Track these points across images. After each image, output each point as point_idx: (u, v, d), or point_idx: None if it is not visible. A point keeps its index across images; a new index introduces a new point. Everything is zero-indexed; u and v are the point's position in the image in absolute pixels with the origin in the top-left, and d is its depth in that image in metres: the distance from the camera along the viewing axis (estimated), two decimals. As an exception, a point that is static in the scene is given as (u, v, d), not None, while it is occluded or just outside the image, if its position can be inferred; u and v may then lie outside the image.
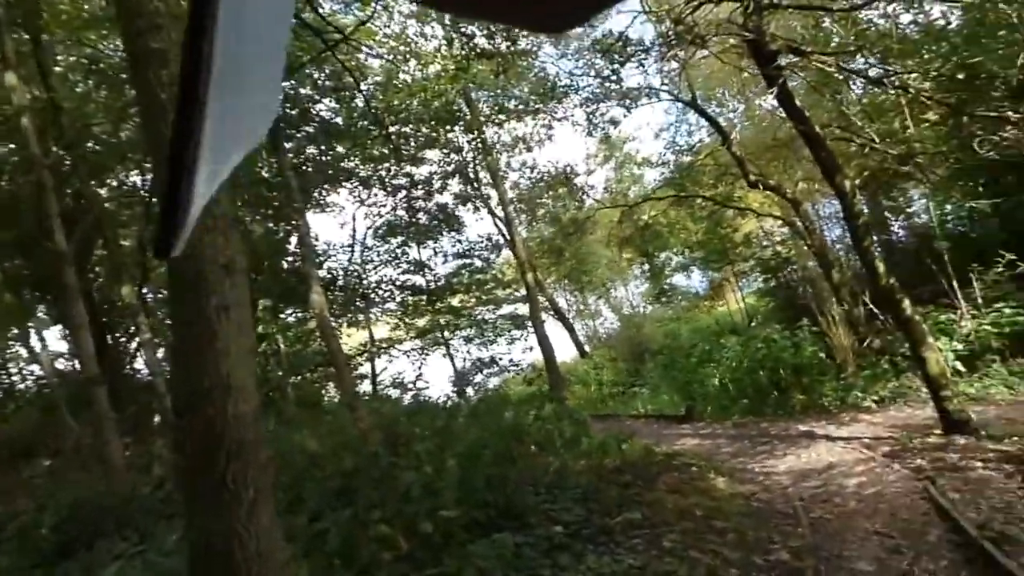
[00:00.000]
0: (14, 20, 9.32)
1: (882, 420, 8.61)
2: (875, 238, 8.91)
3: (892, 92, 8.86)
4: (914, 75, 7.73)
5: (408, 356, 18.90)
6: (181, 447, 3.09)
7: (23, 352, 14.89)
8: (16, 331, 14.19)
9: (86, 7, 10.48)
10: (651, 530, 5.13)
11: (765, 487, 6.65)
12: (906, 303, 7.38)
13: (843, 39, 8.87)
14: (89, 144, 11.71)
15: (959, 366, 9.24)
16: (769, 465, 7.52)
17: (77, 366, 11.73)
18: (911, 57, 8.27)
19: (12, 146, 11.37)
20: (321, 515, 5.14)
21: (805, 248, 13.24)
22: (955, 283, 10.55)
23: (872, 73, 8.79)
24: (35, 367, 14.46)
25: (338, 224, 53.33)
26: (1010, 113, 7.30)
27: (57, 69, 11.86)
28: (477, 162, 18.76)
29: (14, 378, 15.51)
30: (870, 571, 4.09)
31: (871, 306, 11.61)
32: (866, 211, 11.32)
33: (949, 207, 13.03)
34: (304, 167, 15.95)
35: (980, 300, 10.13)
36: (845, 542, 4.64)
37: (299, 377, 16.01)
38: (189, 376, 2.91)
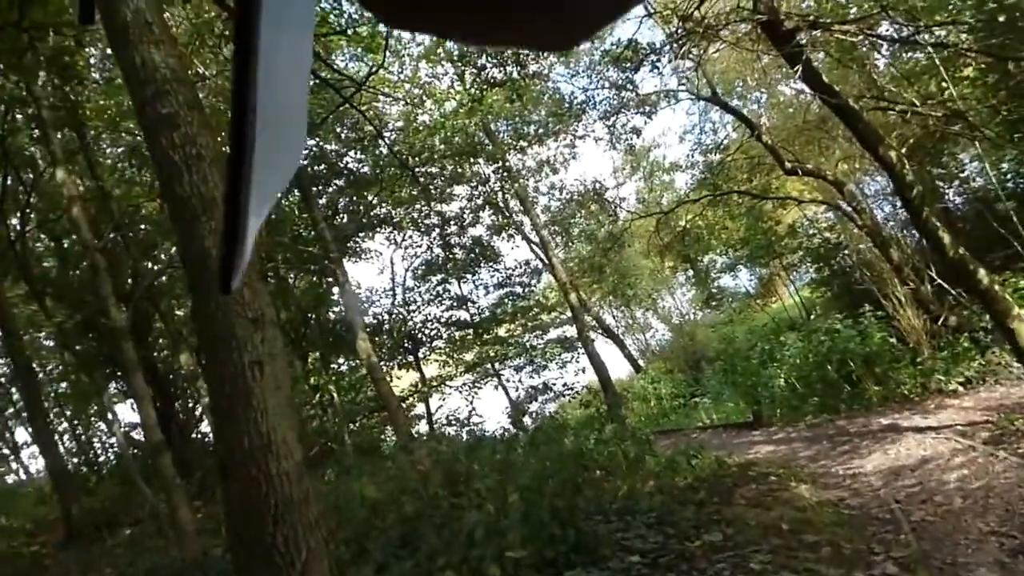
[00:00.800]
0: (59, 121, 9.80)
1: (973, 403, 7.94)
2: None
3: (927, 51, 8.35)
4: (947, 28, 7.25)
5: (460, 392, 18.73)
6: (229, 512, 2.98)
7: (103, 427, 15.64)
8: (95, 408, 14.89)
9: (123, 99, 11.01)
10: (735, 551, 4.72)
11: (854, 491, 6.14)
12: (981, 273, 6.83)
13: (861, 5, 8.45)
14: (139, 225, 12.24)
15: (1052, 334, 8.51)
16: (854, 466, 6.98)
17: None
18: (940, 11, 7.80)
19: (72, 236, 11.96)
20: (386, 566, 4.95)
21: (855, 230, 12.59)
22: (1029, 245, 9.81)
23: (901, 35, 8.32)
24: (113, 440, 15.08)
25: (377, 270, 54.35)
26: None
27: (106, 161, 12.48)
28: (505, 191, 18.72)
29: (97, 452, 16.41)
30: (994, 578, 3.61)
31: (940, 282, 10.88)
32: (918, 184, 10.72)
33: (1006, 165, 12.27)
34: (337, 218, 16.20)
35: (1060, 259, 9.37)
36: (958, 546, 4.15)
37: (355, 425, 16.01)
38: (228, 437, 2.82)
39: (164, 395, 13.04)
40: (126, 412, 16.57)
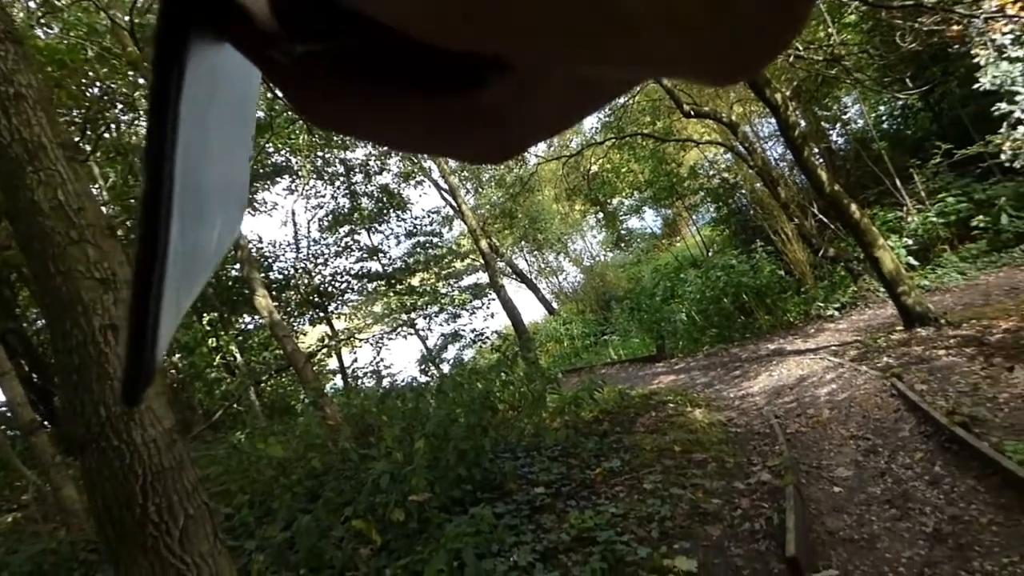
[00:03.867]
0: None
1: (847, 326, 8.70)
2: (815, 149, 8.88)
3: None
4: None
5: (374, 344, 18.50)
6: (91, 489, 2.77)
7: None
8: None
9: None
10: (632, 474, 5.04)
11: (742, 411, 6.65)
12: (853, 207, 7.37)
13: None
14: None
15: (912, 261, 9.39)
16: (744, 388, 7.54)
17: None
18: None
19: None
20: (293, 523, 4.92)
21: (749, 171, 13.22)
22: (897, 181, 10.67)
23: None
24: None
25: (279, 222, 51.78)
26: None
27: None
28: (412, 136, 18.14)
29: None
30: (849, 476, 4.05)
31: (821, 217, 11.69)
32: (802, 123, 11.33)
33: (882, 108, 13.14)
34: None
35: (923, 194, 10.26)
36: (823, 452, 4.61)
37: (265, 385, 15.55)
38: (81, 409, 2.61)
39: (41, 369, 12.03)
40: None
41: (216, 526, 2.77)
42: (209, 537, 2.70)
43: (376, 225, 19.79)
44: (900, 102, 12.11)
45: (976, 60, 8.25)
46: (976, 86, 8.34)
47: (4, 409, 13.06)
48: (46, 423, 11.02)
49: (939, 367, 5.24)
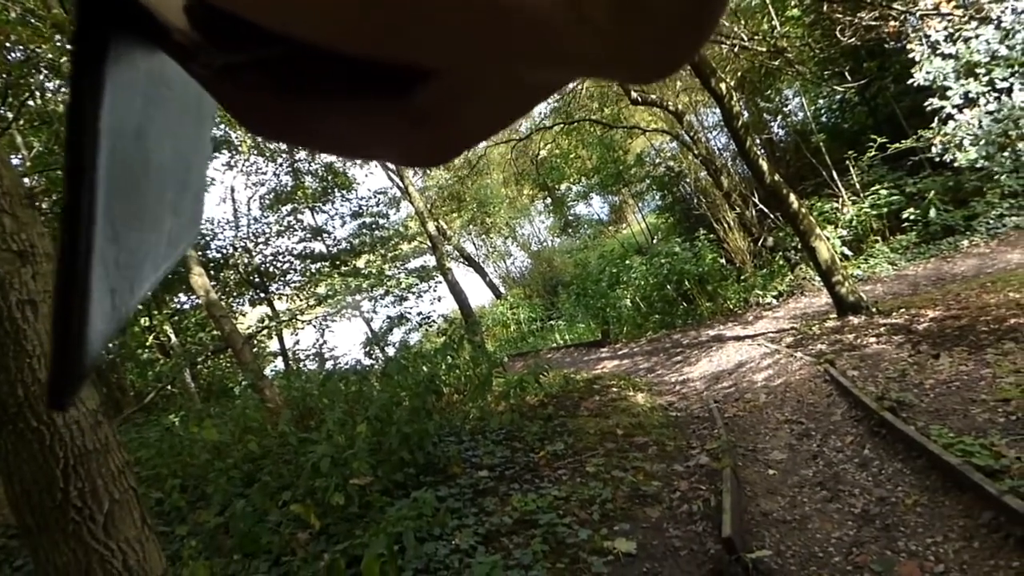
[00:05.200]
0: None
1: (783, 313, 8.98)
2: (757, 140, 9.06)
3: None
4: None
5: (317, 326, 18.06)
6: (7, 473, 2.61)
7: None
8: None
9: None
10: (575, 458, 5.06)
11: (682, 395, 6.78)
12: (792, 198, 7.56)
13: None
14: None
15: (846, 251, 9.75)
16: (684, 373, 7.69)
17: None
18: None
19: None
20: (228, 508, 4.74)
21: (694, 160, 13.44)
22: (834, 173, 11.04)
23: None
24: None
25: (216, 199, 49.87)
26: (866, -4, 7.42)
27: None
28: (358, 114, 17.65)
29: None
30: (783, 459, 4.16)
31: (761, 207, 12.01)
32: (745, 114, 11.56)
33: (821, 101, 13.54)
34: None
35: (858, 186, 10.65)
36: (759, 435, 4.73)
37: (202, 366, 14.98)
38: (-1, 388, 2.42)
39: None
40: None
41: (145, 511, 2.65)
42: (136, 522, 2.58)
43: (320, 205, 19.27)
44: (839, 96, 12.52)
45: (911, 56, 8.57)
46: (910, 81, 8.67)
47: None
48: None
49: (870, 354, 5.45)
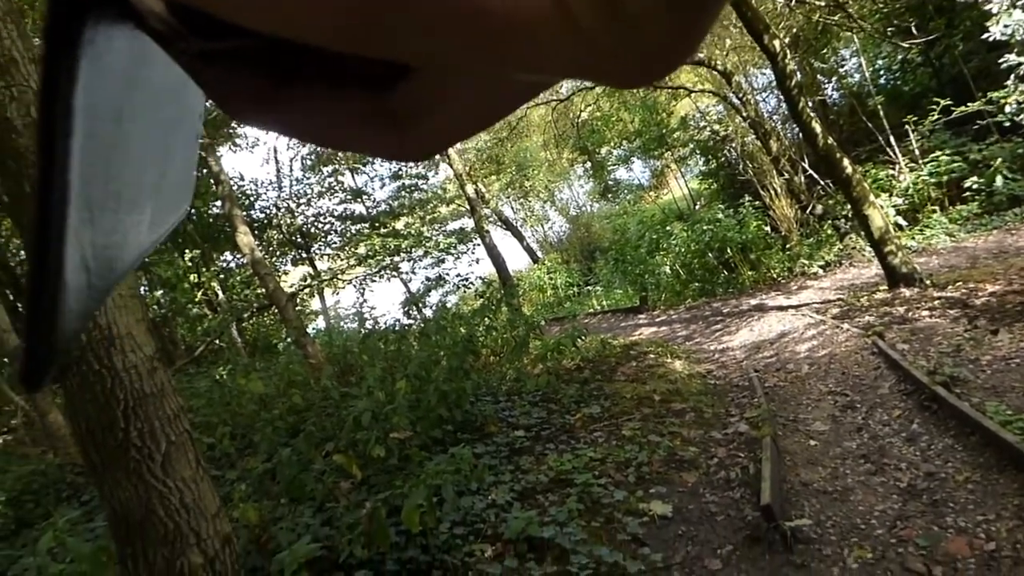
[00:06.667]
0: None
1: (830, 284, 8.71)
2: (809, 102, 8.67)
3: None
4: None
5: (357, 286, 18.35)
6: (73, 412, 2.75)
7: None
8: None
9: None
10: (611, 421, 5.06)
11: (721, 364, 6.68)
12: (846, 162, 7.25)
13: None
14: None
15: (900, 220, 9.35)
16: (724, 342, 7.57)
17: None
18: None
19: None
20: (274, 455, 4.92)
21: (741, 123, 12.98)
22: (891, 138, 10.53)
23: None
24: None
25: (261, 160, 50.62)
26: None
27: None
28: (398, 73, 17.56)
29: None
30: (825, 430, 4.07)
31: (811, 173, 11.57)
32: (798, 74, 11.05)
33: (881, 62, 12.87)
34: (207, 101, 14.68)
35: (917, 152, 10.14)
36: (800, 406, 4.63)
37: (247, 323, 15.43)
38: (62, 333, 2.53)
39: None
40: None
41: (199, 453, 2.77)
42: (191, 463, 2.70)
43: (360, 166, 19.35)
44: (899, 56, 11.86)
45: (987, 7, 7.96)
46: (985, 36, 8.06)
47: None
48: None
49: (921, 328, 5.25)
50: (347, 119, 0.23)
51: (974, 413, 3.30)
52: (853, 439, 3.81)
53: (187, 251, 13.78)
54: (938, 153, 9.63)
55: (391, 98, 0.21)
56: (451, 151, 16.87)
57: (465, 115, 0.24)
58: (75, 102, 0.19)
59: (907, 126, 10.29)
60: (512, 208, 25.63)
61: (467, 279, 17.60)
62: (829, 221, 10.56)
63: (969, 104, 9.04)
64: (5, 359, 10.27)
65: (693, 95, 14.81)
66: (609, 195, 24.62)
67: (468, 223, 20.04)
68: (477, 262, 19.79)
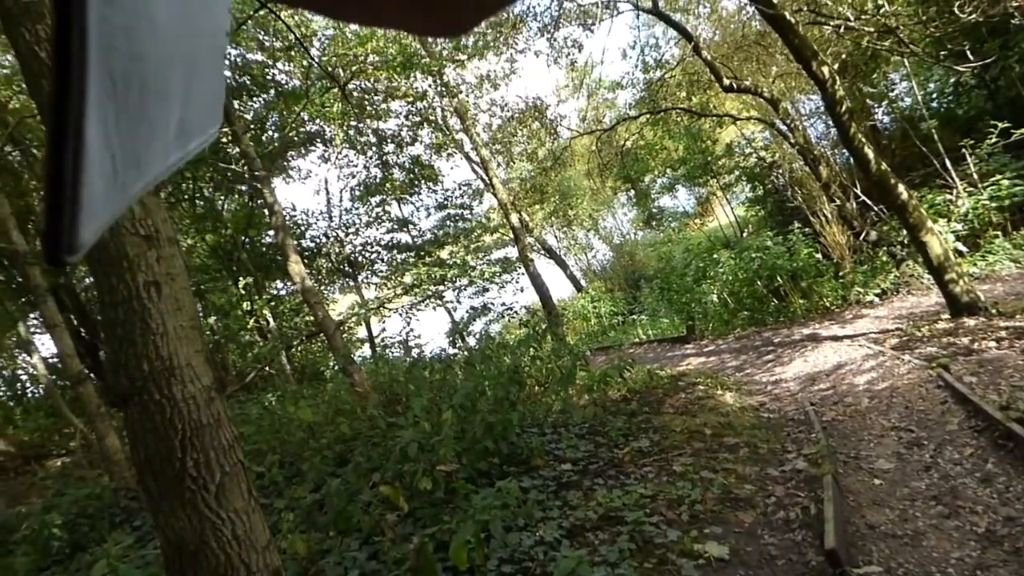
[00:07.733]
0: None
1: (887, 313, 8.41)
2: (860, 127, 8.48)
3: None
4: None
5: (402, 315, 18.59)
6: (133, 440, 2.84)
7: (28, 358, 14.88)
8: (14, 339, 14.09)
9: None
10: (661, 455, 4.95)
11: (775, 396, 6.48)
12: (901, 188, 7.05)
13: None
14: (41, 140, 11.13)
15: (960, 246, 9.00)
16: (776, 373, 7.35)
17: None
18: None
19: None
20: (322, 485, 4.97)
21: (789, 149, 12.78)
22: (947, 162, 10.20)
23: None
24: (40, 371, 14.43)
25: (312, 190, 52.26)
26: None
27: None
28: (444, 107, 17.99)
29: (25, 384, 15.74)
30: (890, 468, 3.89)
31: (863, 198, 11.27)
32: (848, 101, 10.86)
33: (932, 85, 12.54)
34: (266, 135, 15.33)
35: (975, 176, 9.78)
36: (862, 442, 4.45)
37: (296, 350, 15.79)
38: (125, 362, 2.64)
39: (89, 323, 12.41)
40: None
41: (251, 484, 2.81)
42: (244, 494, 2.74)
43: (407, 196, 19.76)
44: (952, 79, 11.53)
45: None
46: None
47: (55, 360, 13.55)
48: (92, 375, 11.43)
49: (989, 359, 5.00)
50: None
51: (1055, 453, 3.11)
52: (922, 479, 3.63)
53: (240, 279, 14.24)
54: (998, 177, 9.27)
55: None
56: (495, 181, 17.10)
57: None
58: None
59: (964, 150, 9.95)
60: (556, 236, 25.72)
61: (511, 308, 17.66)
62: (884, 248, 10.23)
63: (1030, 127, 8.72)
64: (68, 382, 10.75)
65: (738, 122, 14.68)
66: (653, 223, 24.47)
67: (512, 252, 20.15)
68: (521, 291, 19.85)
